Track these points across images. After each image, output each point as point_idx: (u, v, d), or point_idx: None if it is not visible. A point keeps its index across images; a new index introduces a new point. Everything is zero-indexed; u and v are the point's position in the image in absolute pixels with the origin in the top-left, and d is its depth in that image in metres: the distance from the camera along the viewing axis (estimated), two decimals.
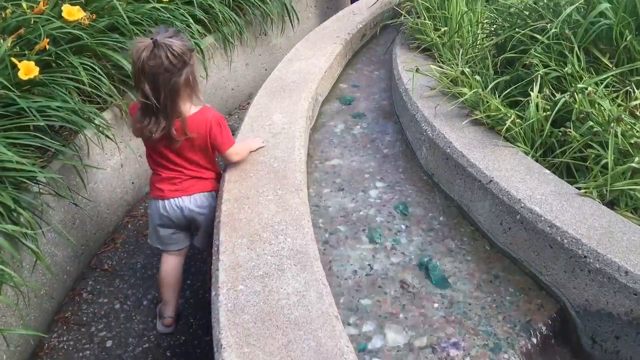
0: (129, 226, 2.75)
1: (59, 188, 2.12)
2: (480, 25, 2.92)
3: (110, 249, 2.60)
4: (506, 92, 2.23)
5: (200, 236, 2.18)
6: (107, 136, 2.45)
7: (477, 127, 2.25)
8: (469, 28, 2.87)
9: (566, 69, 2.20)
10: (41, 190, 2.02)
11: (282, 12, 3.92)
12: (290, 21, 4.02)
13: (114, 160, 2.66)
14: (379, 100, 3.00)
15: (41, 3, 2.23)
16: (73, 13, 2.28)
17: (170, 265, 2.18)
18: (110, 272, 2.49)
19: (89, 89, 2.37)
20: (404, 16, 3.07)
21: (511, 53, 2.33)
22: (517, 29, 2.39)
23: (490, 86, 2.27)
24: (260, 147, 2.21)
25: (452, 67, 2.54)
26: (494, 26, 2.73)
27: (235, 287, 1.55)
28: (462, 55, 2.72)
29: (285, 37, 4.15)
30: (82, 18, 2.31)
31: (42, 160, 2.18)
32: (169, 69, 1.80)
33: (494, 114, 2.20)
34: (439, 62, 2.83)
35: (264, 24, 3.84)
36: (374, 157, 2.51)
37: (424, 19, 2.95)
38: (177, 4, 3.03)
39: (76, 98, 2.35)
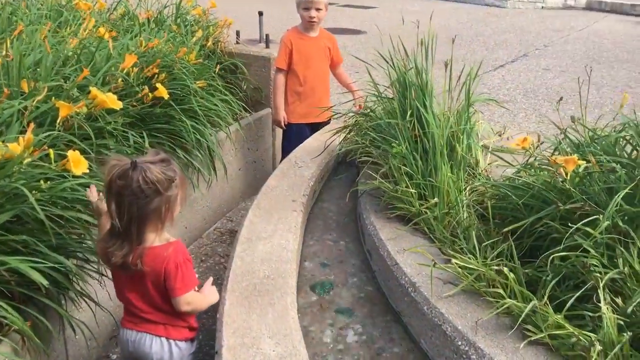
0: None
1: None
2: (467, 196, 2.55)
3: None
4: (568, 304, 1.79)
5: None
6: None
7: (535, 349, 1.77)
8: (458, 199, 2.47)
9: (624, 268, 1.84)
10: None
11: (206, 161, 3.30)
12: (215, 172, 3.40)
13: None
14: (361, 284, 2.44)
15: None
16: None
17: None
18: None
19: None
20: (379, 180, 2.61)
21: (562, 253, 1.91)
22: (550, 214, 2.02)
23: (545, 297, 1.81)
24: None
25: (471, 258, 2.08)
26: (499, 203, 2.35)
27: None
28: (463, 234, 2.30)
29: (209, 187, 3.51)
30: None
31: None
32: (136, 193, 1.73)
33: (559, 333, 1.74)
34: (433, 240, 2.37)
35: (188, 177, 3.18)
36: None
37: (406, 186, 2.51)
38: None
39: None
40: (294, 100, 3.91)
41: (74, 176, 2.03)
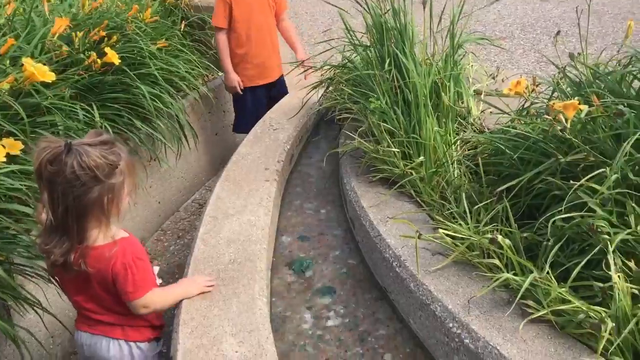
0: None
1: None
2: (458, 150, 2.28)
3: None
4: (573, 274, 1.54)
5: None
6: None
7: (537, 328, 1.53)
8: (447, 155, 2.20)
9: (636, 227, 1.59)
10: None
11: (174, 130, 3.02)
12: (187, 141, 3.13)
13: None
14: (344, 258, 2.20)
15: None
16: None
17: None
18: None
19: None
20: (358, 140, 2.33)
21: (564, 214, 1.64)
22: (549, 168, 1.75)
23: (546, 268, 1.56)
24: (204, 292, 1.75)
25: (461, 225, 1.83)
26: (492, 158, 2.08)
27: None
28: (453, 196, 2.04)
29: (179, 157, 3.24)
30: None
31: None
32: (71, 180, 1.48)
33: (565, 308, 1.50)
34: (421, 205, 2.12)
35: (153, 149, 2.91)
36: None
37: (388, 145, 2.23)
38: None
39: None
40: (240, 62, 3.42)
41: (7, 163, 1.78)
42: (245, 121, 3.43)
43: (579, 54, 2.21)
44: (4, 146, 1.78)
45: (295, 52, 3.55)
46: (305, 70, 3.21)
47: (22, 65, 2.10)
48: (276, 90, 3.56)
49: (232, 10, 3.31)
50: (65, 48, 2.49)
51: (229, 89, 3.51)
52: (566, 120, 1.73)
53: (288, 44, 3.60)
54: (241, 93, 3.46)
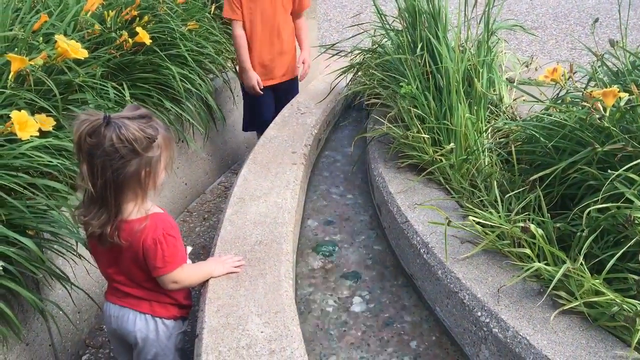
0: None
1: None
2: (489, 138, 2.24)
3: None
4: (608, 266, 1.50)
5: None
6: None
7: (568, 320, 1.50)
8: (478, 142, 2.16)
9: None
10: None
11: (203, 112, 3.02)
12: (215, 124, 3.13)
13: None
14: (369, 243, 2.19)
15: None
16: None
17: None
18: None
19: None
20: (387, 125, 2.31)
21: (599, 205, 1.60)
22: (585, 157, 1.70)
23: (580, 259, 1.53)
24: (232, 272, 1.75)
25: (492, 213, 1.79)
26: (525, 146, 2.03)
27: None
28: (484, 183, 2.01)
29: (207, 139, 3.25)
30: None
31: None
32: (110, 153, 1.49)
33: (598, 300, 1.46)
34: (450, 192, 2.09)
35: (181, 130, 2.92)
36: None
37: (417, 131, 2.20)
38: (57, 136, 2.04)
39: None
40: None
41: (39, 137, 1.80)
42: (248, 120, 3.33)
43: (617, 41, 2.15)
44: (36, 122, 1.79)
45: (301, 50, 3.28)
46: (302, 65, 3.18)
47: (55, 42, 2.11)
48: (281, 94, 3.24)
49: (242, 2, 3.00)
50: (97, 26, 2.50)
51: (247, 88, 3.16)
52: (605, 108, 1.68)
53: (297, 41, 3.29)
54: (261, 92, 3.14)
